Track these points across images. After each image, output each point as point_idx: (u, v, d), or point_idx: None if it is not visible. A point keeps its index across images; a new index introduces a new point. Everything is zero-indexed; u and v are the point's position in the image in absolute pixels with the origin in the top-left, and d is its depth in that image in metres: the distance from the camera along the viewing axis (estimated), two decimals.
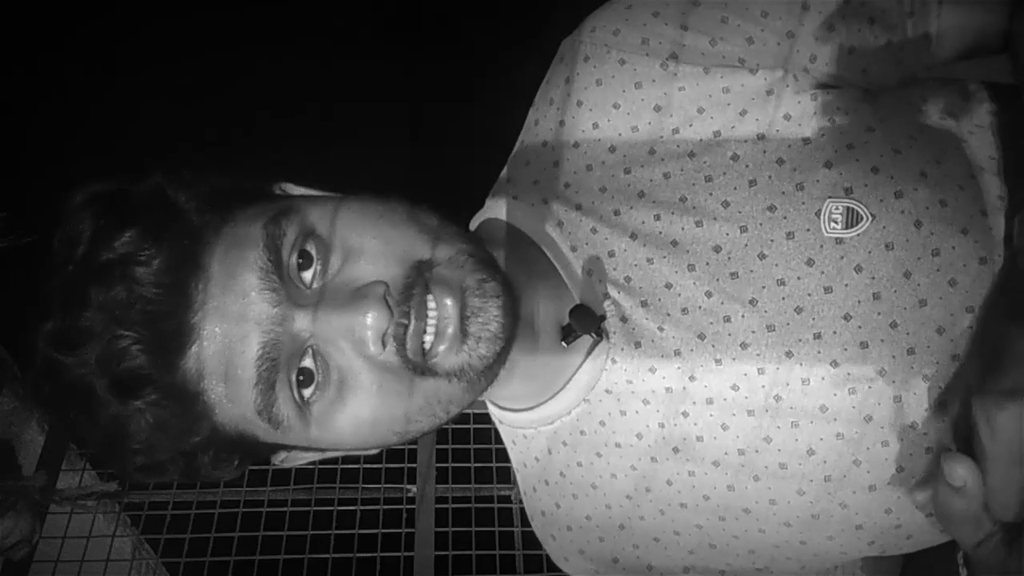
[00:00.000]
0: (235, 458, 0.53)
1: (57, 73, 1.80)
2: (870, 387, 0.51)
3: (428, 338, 0.48)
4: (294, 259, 0.48)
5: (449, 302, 0.48)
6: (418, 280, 0.48)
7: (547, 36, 0.65)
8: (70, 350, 0.46)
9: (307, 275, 0.49)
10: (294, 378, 0.48)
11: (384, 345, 0.47)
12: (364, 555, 1.57)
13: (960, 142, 0.54)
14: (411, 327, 0.47)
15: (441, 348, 0.48)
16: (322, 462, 1.88)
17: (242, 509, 1.65)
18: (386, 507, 1.65)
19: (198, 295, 0.46)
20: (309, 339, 0.48)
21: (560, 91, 0.61)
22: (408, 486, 1.69)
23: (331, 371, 0.49)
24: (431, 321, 0.48)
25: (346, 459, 1.70)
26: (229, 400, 0.48)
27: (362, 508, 1.65)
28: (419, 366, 0.48)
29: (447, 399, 0.51)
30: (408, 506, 1.66)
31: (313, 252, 0.49)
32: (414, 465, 1.71)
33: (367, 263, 0.49)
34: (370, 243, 0.49)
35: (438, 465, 1.71)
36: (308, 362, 0.48)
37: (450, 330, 0.48)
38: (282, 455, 0.56)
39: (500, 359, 0.51)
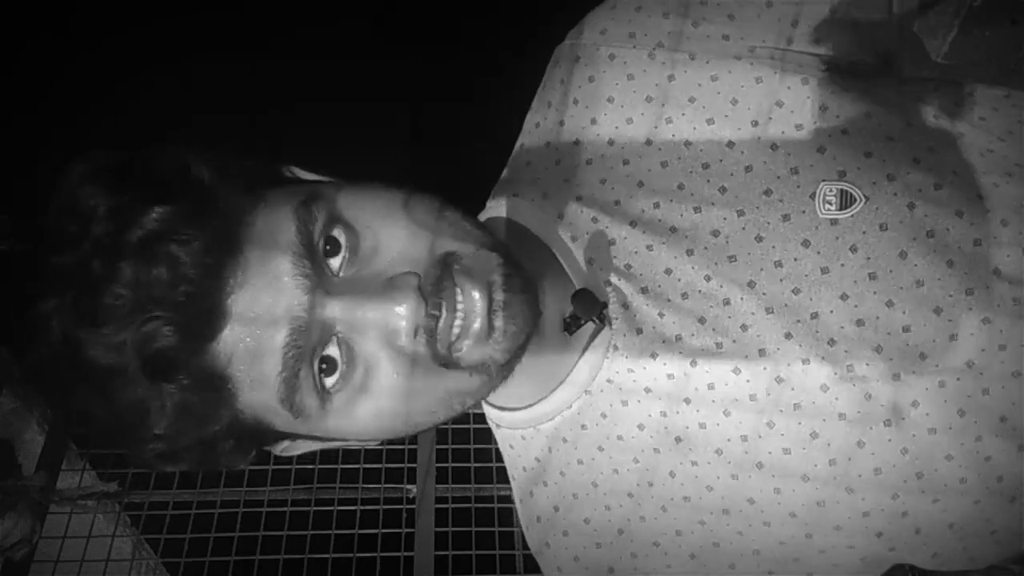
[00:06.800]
0: (252, 447, 0.51)
1: (57, 73, 1.80)
2: (868, 365, 0.51)
3: (455, 331, 0.48)
4: (322, 245, 0.48)
5: (477, 295, 0.47)
6: (447, 272, 0.48)
7: (548, 36, 0.65)
8: (94, 327, 0.44)
9: (334, 262, 0.48)
10: (317, 366, 0.47)
11: (414, 336, 0.47)
12: (364, 555, 1.57)
13: (953, 140, 0.55)
14: (442, 319, 0.47)
15: (466, 343, 0.48)
16: (322, 461, 1.87)
17: (242, 509, 1.65)
18: (386, 507, 1.65)
19: (235, 278, 0.45)
20: (336, 327, 0.47)
21: (556, 93, 0.62)
22: (408, 486, 1.69)
23: (356, 360, 0.48)
24: (459, 314, 0.48)
25: (346, 459, 1.70)
26: (252, 387, 0.47)
27: (362, 508, 1.65)
28: (445, 359, 0.48)
29: (466, 392, 0.51)
30: (408, 506, 1.66)
31: (342, 240, 0.48)
32: (414, 465, 1.71)
33: (397, 254, 0.48)
34: (399, 233, 0.49)
35: (438, 465, 1.71)
36: (333, 350, 0.47)
37: (476, 325, 0.48)
38: (284, 444, 0.55)
39: (519, 354, 0.51)
